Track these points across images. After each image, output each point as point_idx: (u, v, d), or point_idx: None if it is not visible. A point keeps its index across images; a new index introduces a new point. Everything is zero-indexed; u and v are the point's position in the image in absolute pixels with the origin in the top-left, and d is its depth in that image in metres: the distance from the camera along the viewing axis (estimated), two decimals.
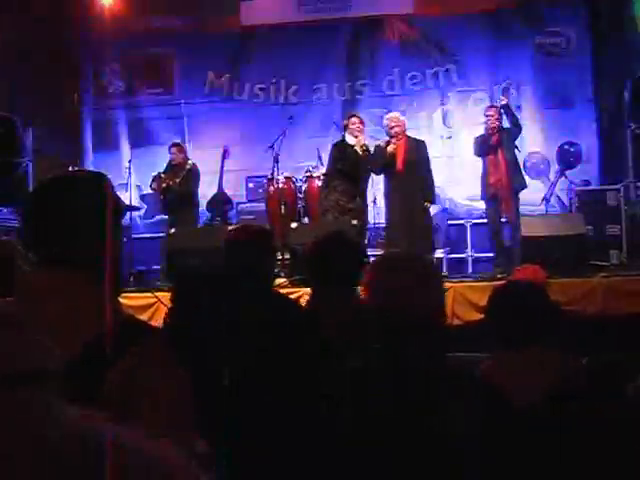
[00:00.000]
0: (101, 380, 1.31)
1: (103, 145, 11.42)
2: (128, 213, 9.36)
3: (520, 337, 2.46)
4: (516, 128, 8.37)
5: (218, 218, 9.52)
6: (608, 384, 2.04)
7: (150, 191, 9.95)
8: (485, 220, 8.74)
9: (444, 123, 10.78)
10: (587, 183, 9.78)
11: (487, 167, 8.23)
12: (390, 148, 7.93)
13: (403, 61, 10.97)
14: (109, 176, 1.79)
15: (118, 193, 1.80)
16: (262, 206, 9.44)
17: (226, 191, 9.83)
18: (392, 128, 8.08)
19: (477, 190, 8.62)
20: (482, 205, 8.86)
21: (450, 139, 10.22)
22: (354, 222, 8.05)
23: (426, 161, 8.14)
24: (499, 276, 7.36)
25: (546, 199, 9.67)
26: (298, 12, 11.06)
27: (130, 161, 9.98)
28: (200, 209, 9.64)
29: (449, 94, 10.89)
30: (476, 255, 8.99)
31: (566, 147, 10.11)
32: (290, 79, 11.14)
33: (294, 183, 9.09)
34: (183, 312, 2.92)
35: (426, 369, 1.87)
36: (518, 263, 7.59)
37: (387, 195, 8.15)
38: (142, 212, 10.97)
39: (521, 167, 8.72)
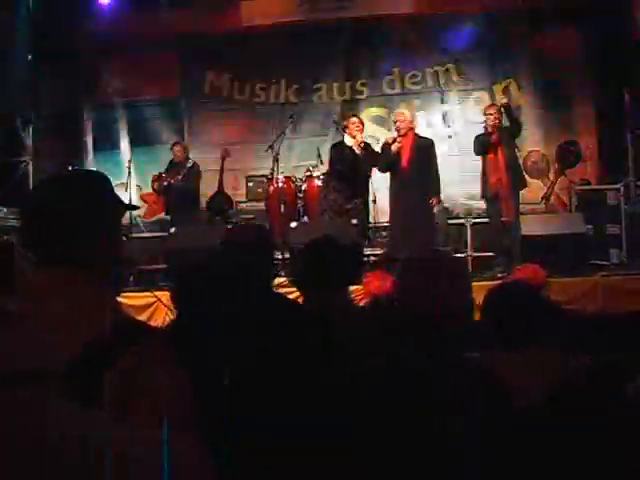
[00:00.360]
0: (101, 380, 1.31)
1: (103, 145, 11.41)
2: (128, 213, 9.35)
3: (517, 337, 2.46)
4: (516, 127, 8.36)
5: (218, 217, 9.52)
6: (608, 384, 2.04)
7: (150, 191, 9.95)
8: (485, 219, 8.74)
9: (444, 122, 10.78)
10: (587, 182, 9.78)
11: (487, 166, 8.22)
12: (394, 147, 7.91)
13: (403, 60, 10.97)
14: (109, 176, 1.79)
15: (118, 193, 1.80)
16: (262, 206, 9.45)
17: (226, 190, 9.82)
18: (396, 123, 8.08)
19: (477, 189, 8.61)
20: (482, 204, 8.85)
21: (450, 138, 10.22)
22: (354, 222, 8.06)
23: (433, 159, 8.09)
24: (499, 275, 7.36)
25: (546, 198, 9.67)
26: (298, 12, 11.05)
27: (130, 161, 9.97)
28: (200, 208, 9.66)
29: (449, 93, 10.89)
30: (476, 254, 8.98)
31: (566, 146, 10.11)
32: (290, 79, 11.13)
33: (294, 183, 9.09)
34: (183, 311, 2.92)
35: (441, 368, 1.87)
36: (518, 262, 7.60)
37: (391, 193, 8.12)
38: (142, 212, 10.97)
39: (521, 166, 8.71)
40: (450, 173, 10.00)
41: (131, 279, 8.52)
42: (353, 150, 8.09)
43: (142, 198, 10.96)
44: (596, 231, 8.50)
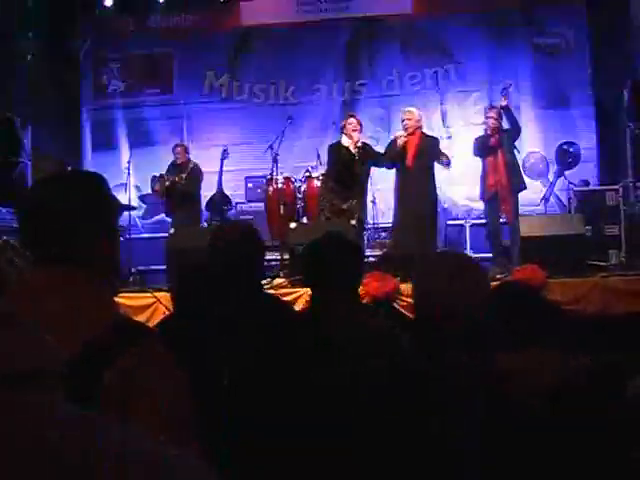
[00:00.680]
0: (100, 380, 1.31)
1: (102, 145, 11.43)
2: (127, 213, 9.36)
3: (516, 338, 2.46)
4: (516, 129, 8.36)
5: (217, 218, 9.51)
6: (608, 384, 2.04)
7: (149, 191, 9.94)
8: (484, 220, 8.74)
9: (443, 123, 10.77)
10: (586, 183, 9.79)
11: (486, 168, 8.22)
12: (400, 141, 7.89)
13: (402, 61, 10.99)
14: (108, 176, 1.79)
15: (117, 193, 1.80)
16: (261, 206, 9.44)
17: (225, 191, 9.82)
18: (403, 121, 8.06)
19: (476, 190, 8.62)
20: (481, 205, 8.86)
21: (449, 139, 10.22)
22: (353, 222, 8.06)
23: (438, 158, 8.07)
24: (498, 276, 7.35)
25: (545, 199, 9.68)
26: (297, 12, 11.07)
27: (129, 161, 9.97)
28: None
29: (448, 94, 10.90)
30: (475, 255, 8.97)
31: (565, 147, 10.13)
32: (289, 79, 11.15)
33: (293, 183, 9.08)
34: (182, 312, 2.92)
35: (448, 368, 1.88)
36: (517, 263, 7.60)
37: (396, 190, 8.08)
38: (141, 212, 10.98)
39: (520, 168, 8.72)
40: (449, 174, 10.01)
41: (130, 279, 8.53)
42: (349, 150, 8.06)
43: (141, 199, 10.97)
44: (595, 232, 8.51)
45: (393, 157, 7.96)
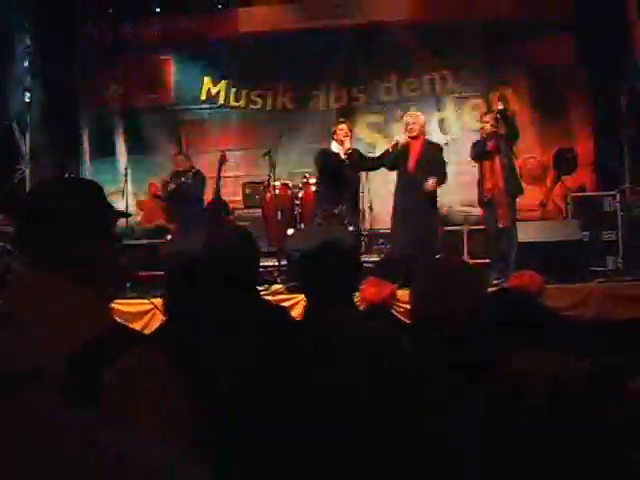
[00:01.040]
0: (100, 380, 1.31)
1: (100, 152, 11.43)
2: (125, 220, 9.35)
3: (514, 344, 2.46)
4: (513, 134, 8.36)
5: (215, 224, 9.49)
6: (608, 384, 2.04)
7: (147, 198, 9.94)
8: (481, 226, 8.74)
9: (440, 129, 10.80)
10: (583, 189, 9.80)
11: (484, 173, 8.21)
12: (402, 141, 7.86)
13: (399, 67, 11.00)
14: (106, 182, 1.80)
15: (115, 199, 1.81)
16: (259, 212, 9.43)
17: (223, 197, 9.82)
18: (408, 124, 8.00)
19: (473, 196, 8.61)
20: (478, 211, 8.86)
21: (447, 145, 10.23)
22: (350, 228, 8.05)
23: (441, 165, 8.00)
24: (496, 282, 7.35)
25: (542, 205, 9.69)
26: (295, 19, 11.09)
27: (127, 168, 9.97)
28: None
29: (445, 100, 10.92)
30: (473, 261, 8.98)
31: (562, 153, 10.14)
32: (287, 86, 11.16)
33: (291, 189, 9.08)
34: (178, 316, 2.93)
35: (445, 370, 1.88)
36: (515, 269, 7.59)
37: (396, 194, 8.03)
38: (139, 218, 10.97)
39: (518, 173, 8.72)
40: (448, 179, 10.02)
41: (127, 285, 8.51)
42: (339, 156, 8.04)
43: (138, 205, 10.97)
44: (592, 237, 8.52)
45: (395, 160, 7.93)
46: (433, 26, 10.80)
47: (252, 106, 11.27)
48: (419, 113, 8.33)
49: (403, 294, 6.77)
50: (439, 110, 10.91)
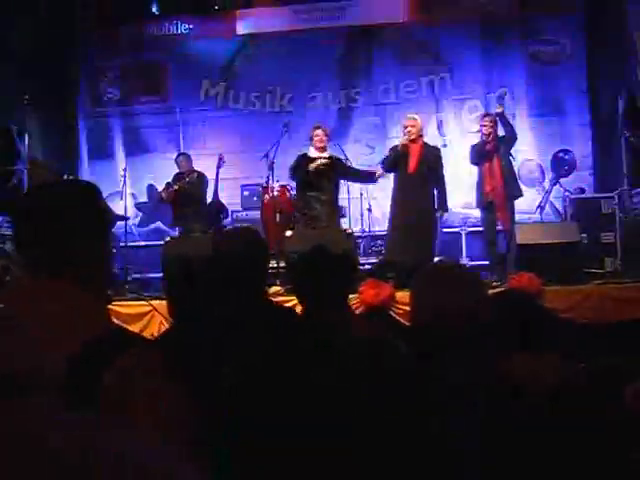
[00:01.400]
0: (99, 380, 1.31)
1: (98, 153, 11.43)
2: (124, 222, 9.35)
3: (512, 346, 2.47)
4: (511, 137, 8.38)
5: (213, 226, 9.50)
6: (607, 385, 2.04)
7: (145, 200, 9.93)
8: (480, 228, 8.75)
9: (439, 131, 10.80)
10: (582, 191, 9.81)
11: (482, 175, 8.23)
12: (401, 144, 7.88)
13: (398, 69, 11.01)
14: (104, 184, 1.80)
15: (113, 201, 1.81)
16: (257, 214, 9.43)
17: (221, 199, 9.82)
18: (406, 128, 8.02)
19: (472, 198, 8.62)
20: (477, 213, 8.87)
21: (445, 147, 10.24)
22: (348, 230, 8.05)
23: (440, 168, 8.04)
24: (494, 284, 7.36)
25: (541, 207, 9.69)
26: (293, 21, 11.10)
27: (125, 169, 9.96)
28: None
29: (444, 102, 10.93)
30: (471, 263, 8.98)
31: (560, 155, 10.16)
32: (285, 87, 11.16)
33: (289, 191, 9.08)
34: (179, 318, 2.92)
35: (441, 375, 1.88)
36: (513, 271, 7.60)
37: (394, 196, 8.02)
38: (137, 220, 10.97)
39: (516, 175, 8.73)
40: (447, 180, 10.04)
41: (126, 287, 8.51)
42: (310, 159, 8.06)
43: (137, 207, 10.97)
44: (591, 240, 8.52)
45: (394, 162, 7.94)
46: (431, 27, 10.81)
47: (250, 107, 11.27)
48: (417, 115, 8.34)
49: (402, 296, 6.77)
50: (437, 112, 10.91)
